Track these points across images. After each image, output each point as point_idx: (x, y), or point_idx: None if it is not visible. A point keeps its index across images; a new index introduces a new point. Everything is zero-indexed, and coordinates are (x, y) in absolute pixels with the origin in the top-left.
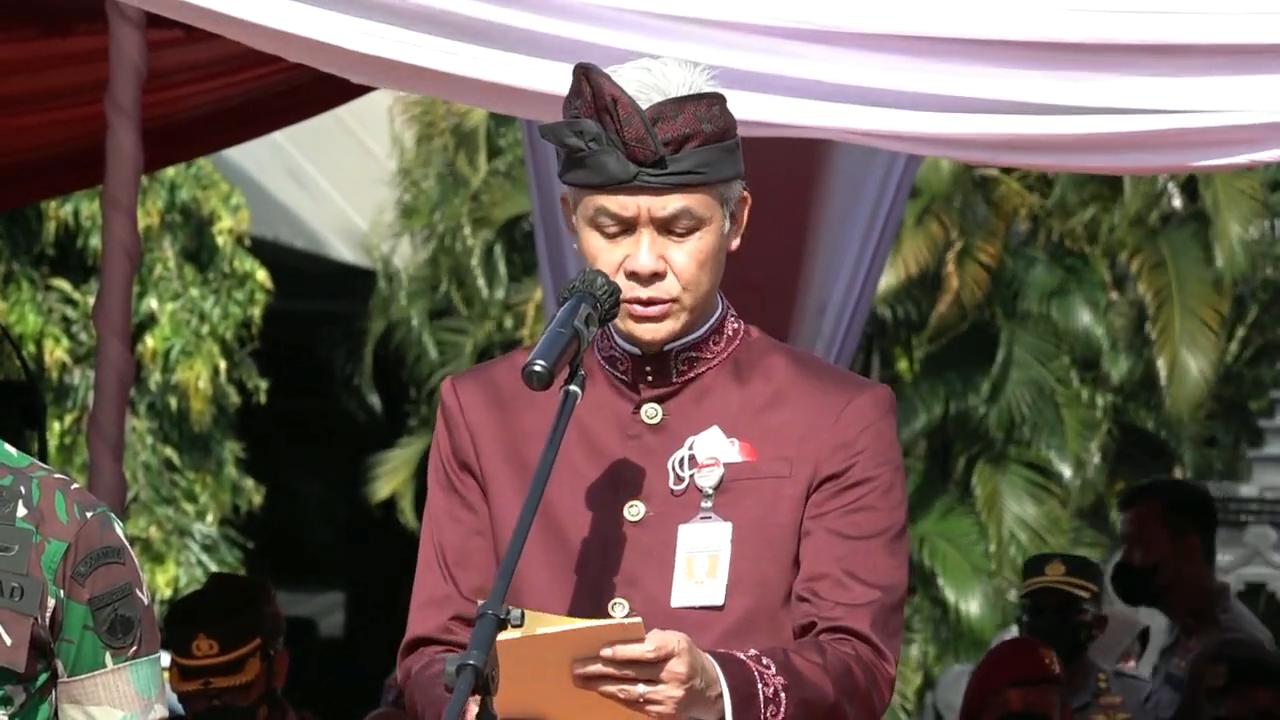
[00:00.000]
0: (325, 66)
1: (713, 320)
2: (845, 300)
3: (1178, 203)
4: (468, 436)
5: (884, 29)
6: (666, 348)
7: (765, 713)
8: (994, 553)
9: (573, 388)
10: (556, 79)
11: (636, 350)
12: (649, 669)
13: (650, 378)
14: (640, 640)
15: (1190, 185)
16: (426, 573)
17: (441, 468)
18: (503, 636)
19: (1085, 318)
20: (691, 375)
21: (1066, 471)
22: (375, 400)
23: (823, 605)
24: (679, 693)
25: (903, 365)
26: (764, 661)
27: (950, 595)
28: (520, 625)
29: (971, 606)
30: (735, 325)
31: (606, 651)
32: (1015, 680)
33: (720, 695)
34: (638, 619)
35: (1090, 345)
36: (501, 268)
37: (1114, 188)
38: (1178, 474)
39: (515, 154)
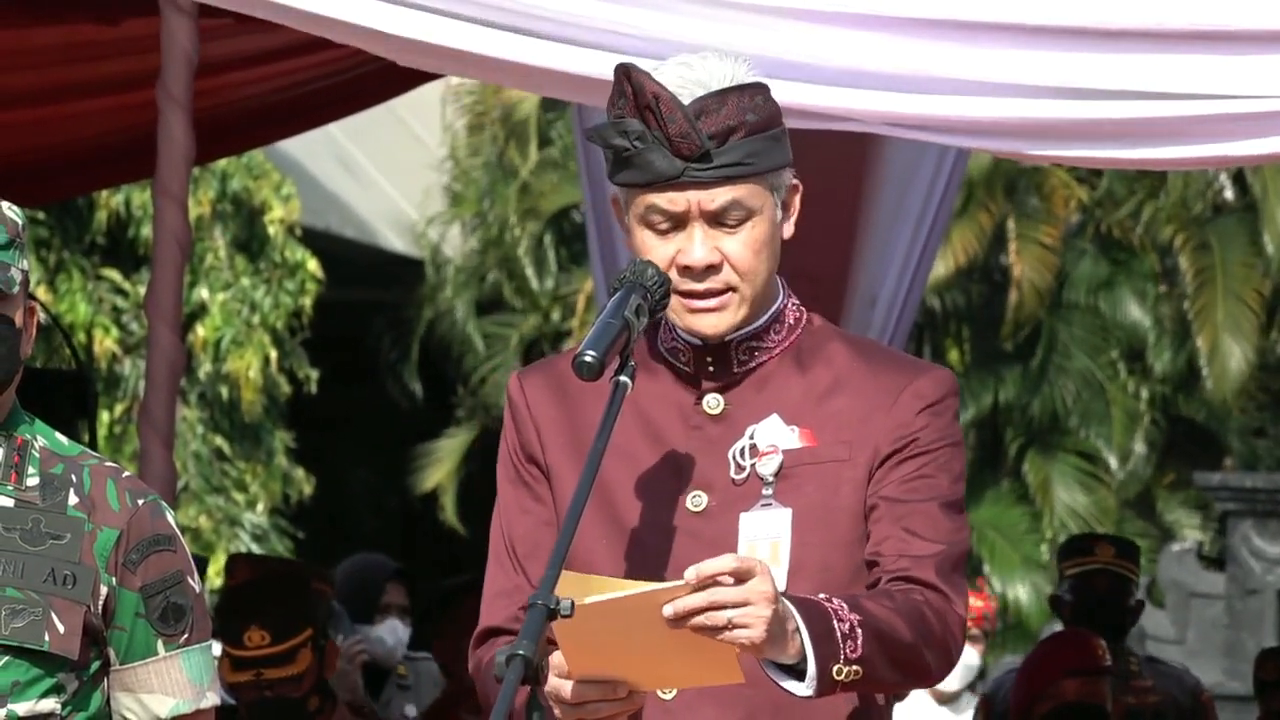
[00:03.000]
0: (376, 50)
1: (773, 309)
2: (896, 292)
3: (1230, 194)
4: (533, 429)
5: (922, 14)
6: (728, 338)
7: (844, 648)
8: (1049, 539)
9: (622, 378)
10: (590, 64)
11: (698, 341)
12: (730, 593)
13: (712, 368)
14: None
15: (1242, 175)
16: (497, 565)
17: (510, 461)
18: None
19: (1134, 310)
20: (753, 365)
21: (1114, 462)
22: (417, 388)
23: (886, 560)
24: (767, 612)
25: (954, 356)
26: (835, 602)
27: (998, 585)
28: (570, 616)
29: (1020, 596)
30: (797, 314)
31: (689, 573)
32: (1070, 671)
33: (796, 630)
34: (690, 578)
35: (1138, 337)
36: (551, 258)
37: (1161, 176)
38: (1226, 464)
39: (565, 144)
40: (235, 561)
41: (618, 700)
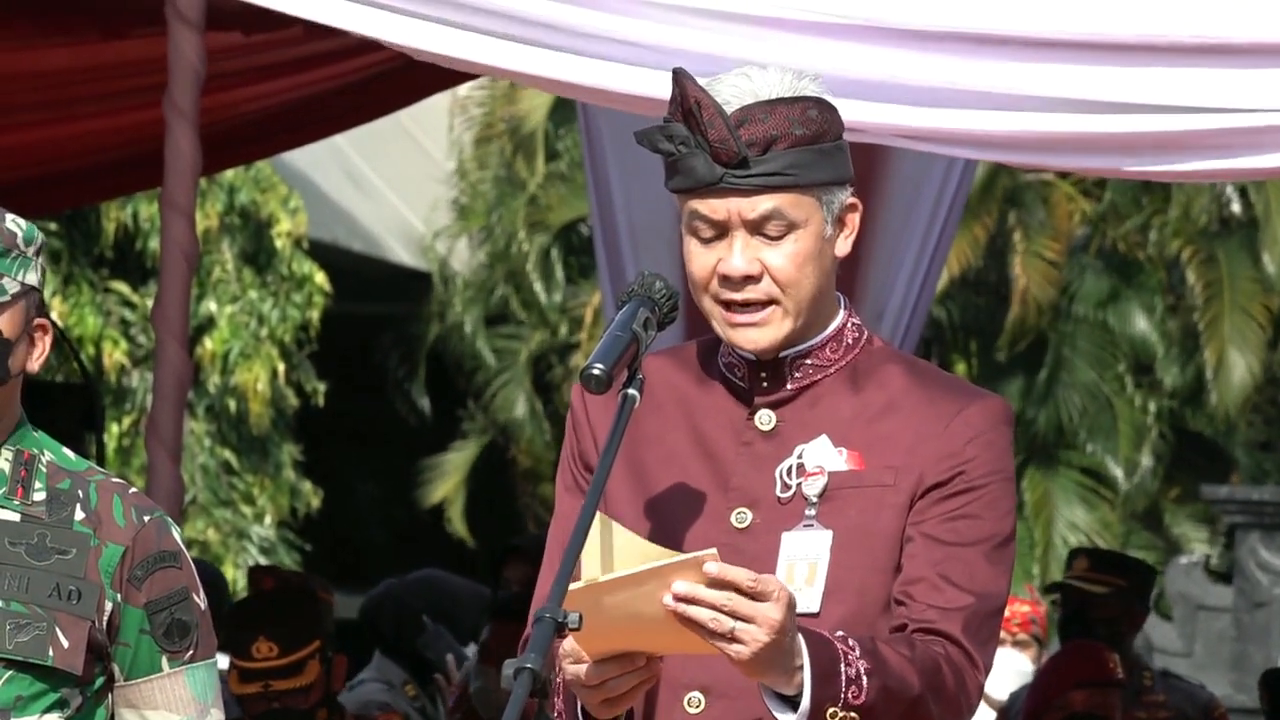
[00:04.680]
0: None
1: (831, 328)
2: (903, 305)
3: (1237, 207)
4: (591, 438)
5: (932, 26)
6: (781, 354)
7: (846, 693)
8: (1039, 556)
9: (630, 391)
10: (608, 79)
11: (751, 356)
12: (744, 605)
13: (766, 384)
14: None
15: (1247, 191)
16: (547, 570)
17: (568, 468)
18: (576, 587)
19: (1141, 323)
20: (807, 382)
21: (1120, 476)
22: (425, 403)
23: (915, 607)
24: (766, 638)
25: (960, 369)
26: (849, 643)
27: None
28: (578, 628)
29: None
30: (857, 334)
31: (711, 567)
32: (1080, 682)
33: (801, 666)
34: (712, 550)
35: (1146, 350)
36: (558, 271)
37: (1166, 191)
38: (1233, 479)
39: (573, 157)
40: (257, 573)
41: (637, 670)
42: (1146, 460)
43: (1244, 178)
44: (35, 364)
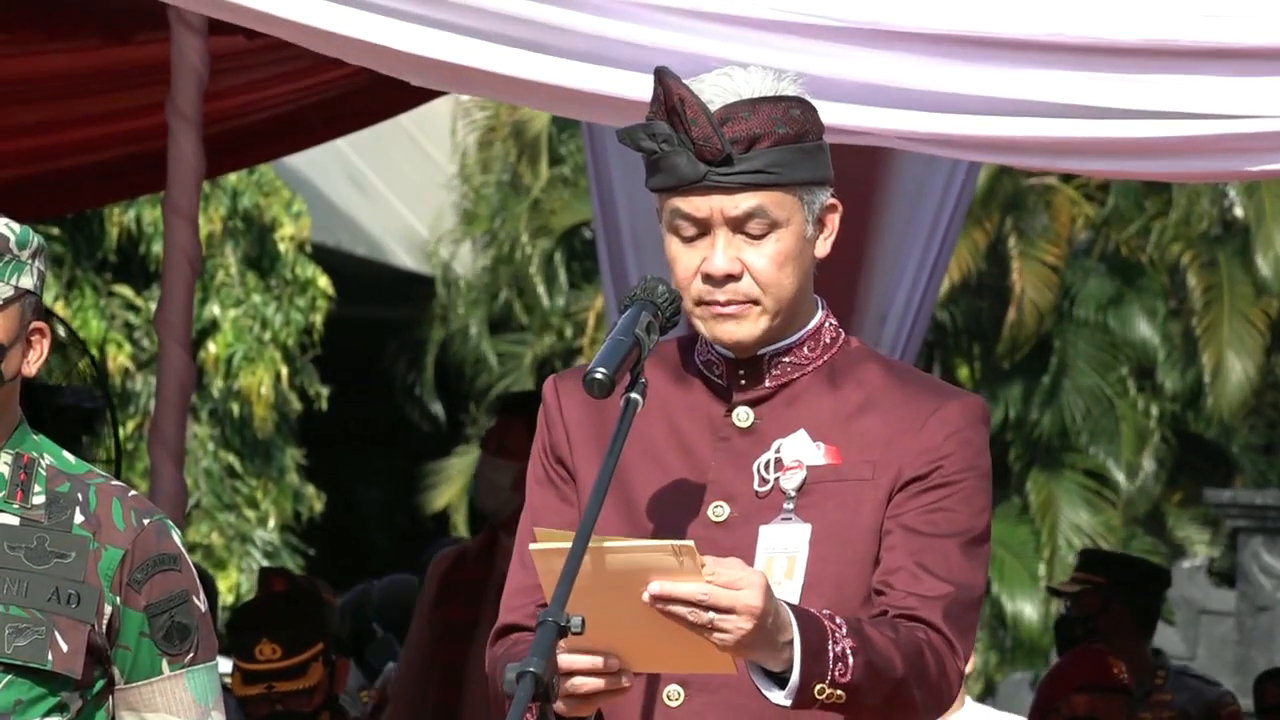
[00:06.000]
0: (385, 69)
1: (809, 327)
2: (906, 308)
3: (1240, 211)
4: (564, 433)
5: (937, 29)
6: (759, 352)
7: (834, 670)
8: (1046, 558)
9: (634, 395)
10: (605, 83)
11: (730, 354)
12: (723, 598)
13: (744, 381)
14: (693, 562)
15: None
16: (519, 563)
17: (540, 462)
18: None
19: (1143, 327)
20: (785, 380)
21: (1123, 479)
22: (437, 408)
23: (895, 595)
24: (748, 625)
25: (964, 373)
26: (836, 621)
27: (1006, 603)
28: (580, 633)
29: (1027, 614)
30: (834, 333)
31: (695, 592)
32: (1083, 686)
33: (790, 642)
34: (689, 542)
35: (1148, 354)
36: (561, 276)
37: (1168, 196)
38: (1237, 483)
39: (577, 161)
40: (267, 574)
41: (607, 675)
42: (1149, 464)
43: (1252, 179)
44: (32, 368)
